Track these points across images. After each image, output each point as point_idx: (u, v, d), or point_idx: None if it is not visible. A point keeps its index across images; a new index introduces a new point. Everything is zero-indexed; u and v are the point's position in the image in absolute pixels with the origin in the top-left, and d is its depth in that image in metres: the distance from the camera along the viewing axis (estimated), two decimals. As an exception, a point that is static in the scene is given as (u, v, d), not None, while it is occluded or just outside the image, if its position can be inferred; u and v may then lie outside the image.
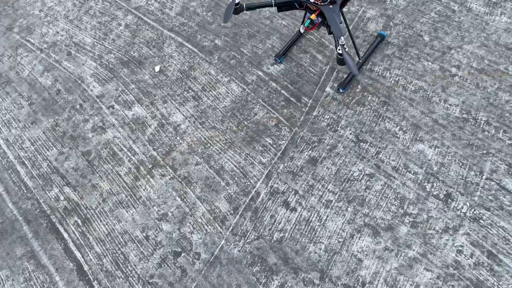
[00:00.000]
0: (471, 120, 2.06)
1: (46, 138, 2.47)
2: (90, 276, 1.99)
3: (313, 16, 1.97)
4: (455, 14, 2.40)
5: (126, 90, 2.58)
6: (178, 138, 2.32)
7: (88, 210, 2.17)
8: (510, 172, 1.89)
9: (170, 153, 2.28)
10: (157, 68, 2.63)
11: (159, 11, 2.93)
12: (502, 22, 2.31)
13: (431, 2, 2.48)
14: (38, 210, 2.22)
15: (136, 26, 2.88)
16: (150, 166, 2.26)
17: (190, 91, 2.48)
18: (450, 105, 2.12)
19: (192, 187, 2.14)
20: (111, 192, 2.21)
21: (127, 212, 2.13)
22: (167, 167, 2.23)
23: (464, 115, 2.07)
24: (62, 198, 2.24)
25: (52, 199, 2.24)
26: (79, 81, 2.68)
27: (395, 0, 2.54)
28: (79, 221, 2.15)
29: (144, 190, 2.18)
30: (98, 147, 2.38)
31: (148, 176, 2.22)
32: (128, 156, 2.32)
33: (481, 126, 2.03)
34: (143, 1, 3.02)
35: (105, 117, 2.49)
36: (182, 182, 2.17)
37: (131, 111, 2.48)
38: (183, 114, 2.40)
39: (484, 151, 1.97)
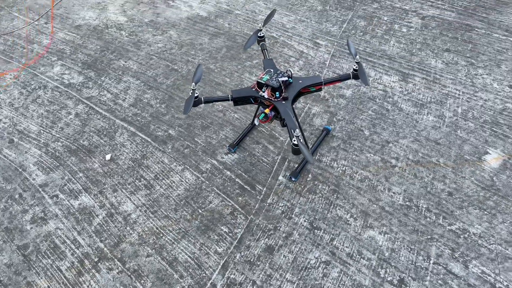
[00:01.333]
0: (413, 207, 2.21)
1: (-23, 231, 2.24)
2: None
3: (267, 110, 2.12)
4: (389, 112, 2.70)
5: (73, 179, 2.48)
6: (128, 228, 2.22)
7: (20, 312, 1.93)
8: (454, 256, 2.01)
9: (119, 245, 2.15)
10: (108, 157, 2.58)
11: (111, 101, 2.97)
12: (429, 120, 2.63)
13: (368, 102, 2.78)
14: (-43, 315, 1.93)
15: (87, 115, 2.88)
16: (96, 259, 2.10)
17: (142, 179, 2.45)
18: (394, 193, 2.27)
19: (142, 281, 2.00)
20: (50, 290, 1.99)
21: (67, 312, 1.92)
22: (115, 259, 2.09)
23: (407, 203, 2.23)
24: (-11, 299, 1.98)
25: (-23, 301, 1.97)
26: (20, 170, 2.55)
27: (336, 99, 2.82)
28: (8, 326, 1.89)
29: (88, 286, 2.00)
30: (37, 240, 2.19)
31: (94, 271, 2.06)
32: (72, 249, 2.15)
33: (423, 213, 2.18)
34: (95, 92, 3.06)
35: (47, 207, 2.34)
36: (132, 276, 2.03)
37: (78, 200, 2.37)
38: (134, 203, 2.33)
39: (428, 237, 2.09)
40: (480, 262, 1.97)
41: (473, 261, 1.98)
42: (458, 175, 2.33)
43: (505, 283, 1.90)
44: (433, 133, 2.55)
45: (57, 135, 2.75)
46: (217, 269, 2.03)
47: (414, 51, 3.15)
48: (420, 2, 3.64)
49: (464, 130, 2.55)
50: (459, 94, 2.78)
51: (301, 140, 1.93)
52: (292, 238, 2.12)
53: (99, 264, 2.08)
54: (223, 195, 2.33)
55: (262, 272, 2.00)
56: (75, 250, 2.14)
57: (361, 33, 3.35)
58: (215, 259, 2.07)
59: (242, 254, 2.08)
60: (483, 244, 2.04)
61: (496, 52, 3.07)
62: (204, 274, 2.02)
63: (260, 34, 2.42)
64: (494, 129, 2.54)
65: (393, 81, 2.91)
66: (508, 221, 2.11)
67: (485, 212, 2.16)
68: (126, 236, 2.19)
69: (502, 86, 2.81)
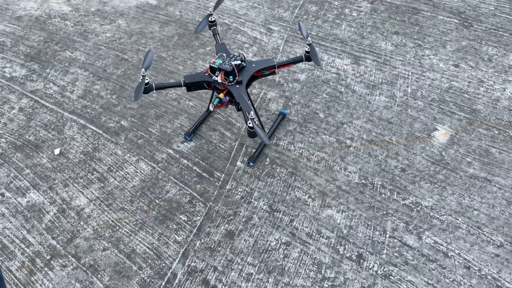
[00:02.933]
0: (369, 185, 2.26)
1: None
2: None
3: (221, 95, 2.09)
4: (342, 95, 2.74)
5: (20, 176, 2.34)
6: (81, 223, 2.13)
7: (-34, 319, 1.80)
8: (408, 229, 2.08)
9: (72, 241, 2.06)
10: (56, 151, 2.46)
11: (58, 94, 2.83)
12: (381, 101, 2.69)
13: (322, 85, 2.81)
14: None
15: (32, 109, 2.73)
16: (48, 257, 2.00)
17: (94, 172, 2.35)
18: (349, 172, 2.32)
19: (99, 276, 1.93)
20: (-2, 293, 1.88)
21: (18, 314, 1.82)
22: (69, 256, 2.01)
23: (362, 181, 2.28)
24: None
25: None
26: (-39, 169, 2.38)
27: (291, 83, 2.83)
28: (-47, 334, 1.76)
29: (41, 285, 1.91)
30: (-18, 241, 2.06)
31: (46, 269, 1.96)
32: (21, 248, 2.04)
33: (378, 189, 2.24)
34: (40, 84, 2.90)
35: (-8, 207, 2.20)
36: (88, 271, 1.95)
37: (26, 198, 2.24)
38: (87, 197, 2.24)
39: (384, 212, 2.15)
40: (433, 233, 2.05)
41: (426, 232, 2.06)
42: (409, 151, 2.40)
43: (457, 251, 1.98)
44: (385, 113, 2.62)
45: (0, 131, 2.59)
46: (177, 258, 1.99)
47: (364, 34, 3.21)
48: (369, -13, 3.71)
49: (414, 109, 2.64)
50: (408, 75, 2.86)
51: (257, 123, 1.92)
52: (252, 222, 2.11)
53: (52, 261, 1.99)
54: (181, 184, 2.28)
55: (223, 258, 1.99)
56: (25, 249, 2.03)
57: (313, 18, 3.38)
58: (175, 248, 2.03)
59: (202, 241, 2.05)
60: (434, 215, 2.12)
61: (441, 33, 3.18)
62: (164, 264, 1.97)
63: (211, 18, 2.38)
64: (442, 107, 2.64)
65: (345, 64, 2.96)
66: (457, 193, 2.21)
67: (436, 186, 2.24)
68: (80, 231, 2.10)
69: (447, 66, 2.92)
